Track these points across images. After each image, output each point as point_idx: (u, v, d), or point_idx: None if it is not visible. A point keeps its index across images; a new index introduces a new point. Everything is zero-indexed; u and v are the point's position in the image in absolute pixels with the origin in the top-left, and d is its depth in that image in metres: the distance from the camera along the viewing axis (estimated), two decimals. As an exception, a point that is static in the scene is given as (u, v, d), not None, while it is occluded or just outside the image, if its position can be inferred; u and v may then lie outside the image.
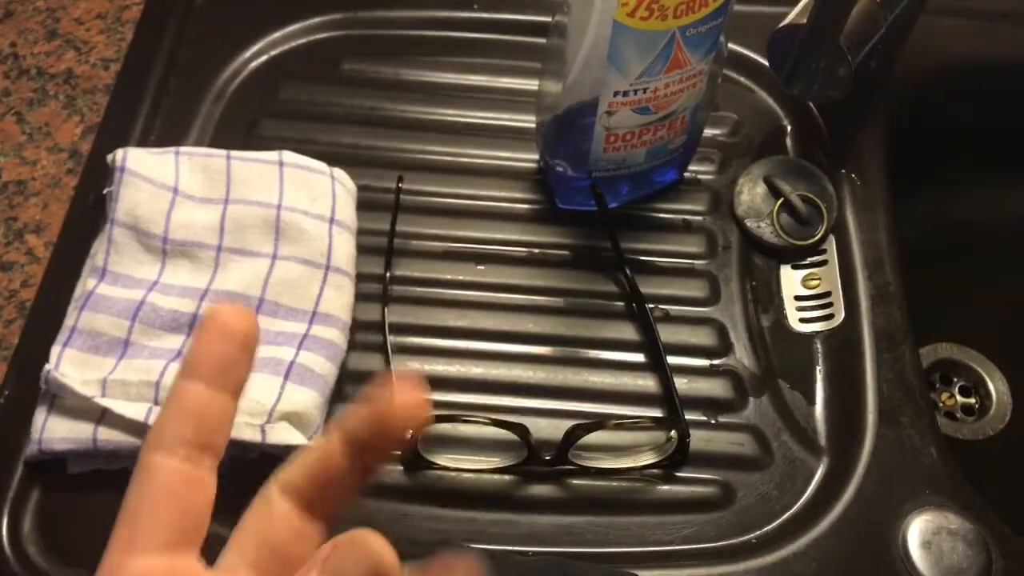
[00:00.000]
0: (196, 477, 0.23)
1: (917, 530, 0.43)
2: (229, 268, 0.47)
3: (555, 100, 0.47)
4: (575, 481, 0.45)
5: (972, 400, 0.64)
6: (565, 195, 0.52)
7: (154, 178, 0.47)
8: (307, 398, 0.43)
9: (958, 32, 0.59)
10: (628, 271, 0.50)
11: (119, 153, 0.47)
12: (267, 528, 0.24)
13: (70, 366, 0.43)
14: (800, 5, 0.50)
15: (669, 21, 0.41)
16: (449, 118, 0.56)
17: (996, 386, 0.64)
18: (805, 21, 0.48)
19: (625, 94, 0.44)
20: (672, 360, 0.48)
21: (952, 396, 0.64)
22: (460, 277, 0.51)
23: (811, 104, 0.57)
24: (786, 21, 0.50)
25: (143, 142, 0.53)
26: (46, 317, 0.46)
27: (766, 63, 0.57)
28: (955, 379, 0.65)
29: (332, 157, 0.51)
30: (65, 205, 0.50)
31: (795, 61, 0.50)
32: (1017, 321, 0.65)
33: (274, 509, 0.24)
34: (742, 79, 0.58)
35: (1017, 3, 0.60)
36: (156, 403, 0.42)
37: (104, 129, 0.53)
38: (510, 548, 0.43)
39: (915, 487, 0.44)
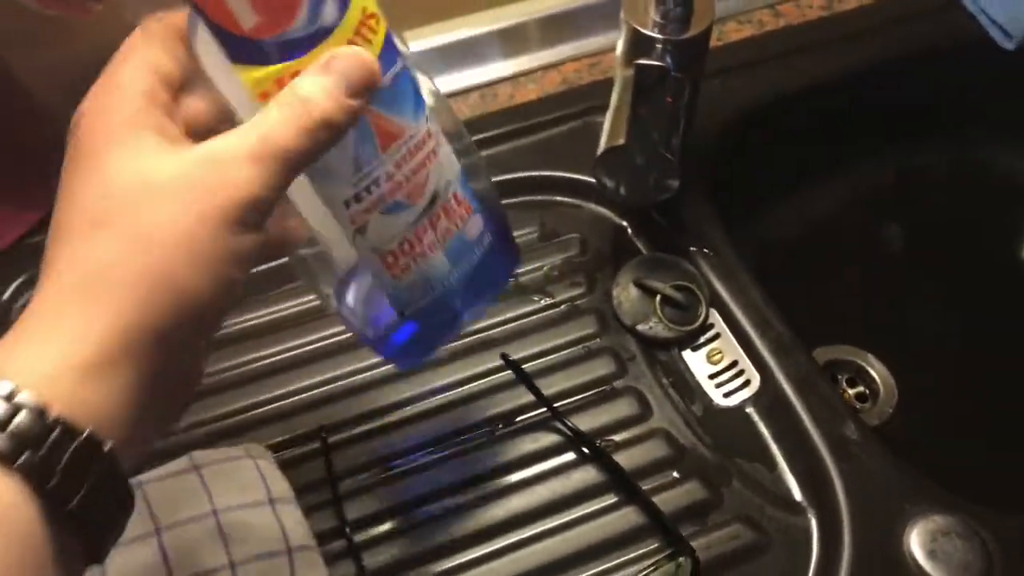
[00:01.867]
0: None
1: (917, 545, 0.46)
2: None
3: (327, 280, 0.39)
4: (616, 645, 0.45)
5: (861, 388, 0.70)
6: (403, 356, 0.43)
7: None
8: None
9: (726, 88, 0.65)
10: (565, 420, 0.51)
11: None
12: None
13: None
14: (606, 127, 0.54)
15: None
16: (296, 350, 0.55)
17: (876, 369, 0.70)
18: (620, 142, 0.52)
19: (357, 199, 0.34)
20: (642, 486, 0.49)
21: (845, 391, 0.70)
22: (421, 491, 0.49)
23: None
24: (601, 147, 0.53)
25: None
26: None
27: (584, 179, 0.61)
28: (839, 376, 0.71)
29: (237, 426, 0.49)
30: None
31: (627, 175, 0.53)
32: (863, 305, 0.72)
33: None
34: (566, 199, 0.62)
35: (755, 52, 0.68)
36: None
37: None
38: None
39: (895, 505, 0.48)
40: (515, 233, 0.59)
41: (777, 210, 0.72)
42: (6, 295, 0.56)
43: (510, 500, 0.49)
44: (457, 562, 0.47)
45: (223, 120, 0.32)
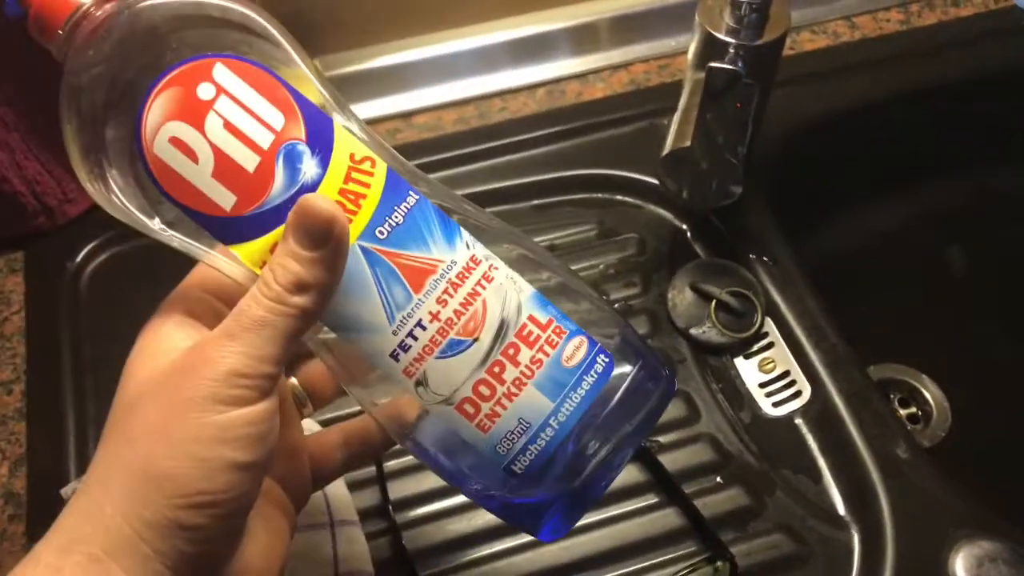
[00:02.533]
0: None
1: (962, 569, 0.46)
2: None
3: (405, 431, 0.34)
4: (649, 643, 0.45)
5: (913, 409, 0.69)
6: (548, 527, 0.34)
7: None
8: None
9: (795, 98, 0.65)
10: (613, 419, 0.51)
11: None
12: None
13: None
14: (673, 129, 0.54)
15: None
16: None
17: (929, 391, 0.69)
18: (686, 144, 0.52)
19: (404, 348, 0.31)
20: (685, 489, 0.49)
21: (897, 411, 0.69)
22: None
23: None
24: (667, 148, 0.53)
25: (82, 460, 0.50)
26: None
27: (647, 180, 0.61)
28: (891, 395, 0.70)
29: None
30: (20, 556, 0.46)
31: (690, 178, 0.53)
32: (922, 325, 0.71)
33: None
34: (627, 199, 0.62)
35: (828, 63, 0.68)
36: None
37: (34, 462, 0.49)
38: None
39: (942, 528, 0.47)
40: (574, 230, 0.61)
41: (840, 223, 0.71)
42: (78, 258, 0.58)
43: (552, 492, 0.49)
44: (495, 549, 0.48)
45: None
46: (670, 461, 0.50)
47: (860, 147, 0.68)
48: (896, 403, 0.69)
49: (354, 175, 0.31)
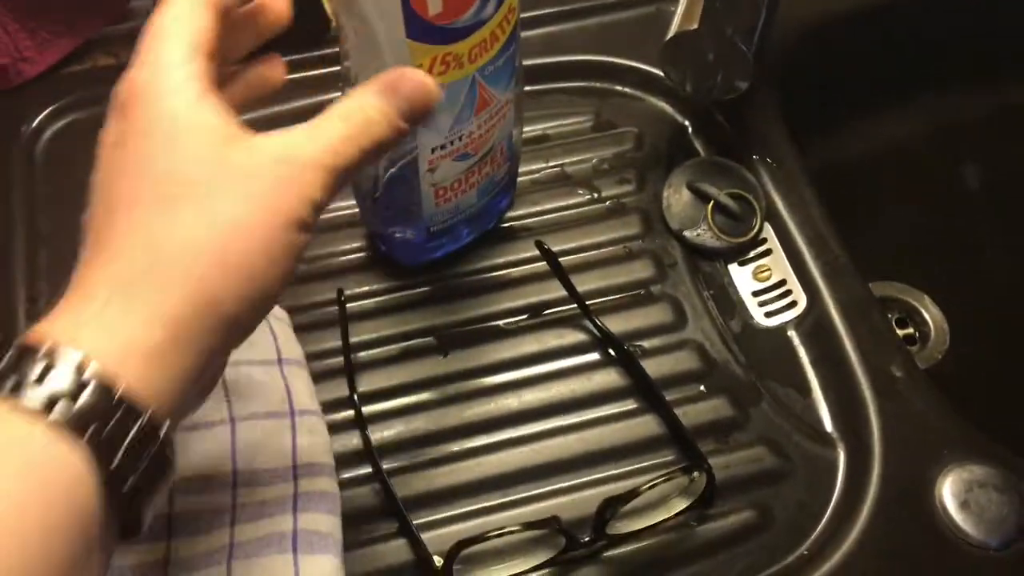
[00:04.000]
0: None
1: (950, 493, 0.44)
2: (188, 450, 0.42)
3: (372, 173, 0.45)
4: (617, 551, 0.43)
5: (911, 330, 0.66)
6: (410, 255, 0.50)
7: None
8: (327, 567, 0.39)
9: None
10: (596, 319, 0.48)
11: None
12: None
13: None
14: (680, 11, 0.50)
15: (466, 68, 0.40)
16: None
17: (930, 312, 0.66)
18: (693, 27, 0.48)
19: (443, 148, 0.42)
20: (667, 396, 0.47)
21: (893, 329, 0.66)
22: (430, 373, 0.47)
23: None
24: (672, 30, 0.49)
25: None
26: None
27: (649, 70, 0.57)
28: (889, 314, 0.67)
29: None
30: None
31: (696, 67, 0.49)
32: (927, 243, 0.68)
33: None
34: (627, 89, 0.58)
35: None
36: None
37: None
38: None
39: (932, 451, 0.45)
40: (568, 121, 0.57)
41: (851, 130, 0.67)
42: (35, 124, 0.54)
43: (526, 392, 0.47)
44: (464, 447, 0.45)
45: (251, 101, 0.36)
46: (653, 367, 0.47)
47: (877, 51, 0.64)
48: (895, 323, 0.67)
49: (503, 22, 0.39)
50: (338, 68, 0.42)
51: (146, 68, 0.30)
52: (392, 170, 0.44)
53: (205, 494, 0.41)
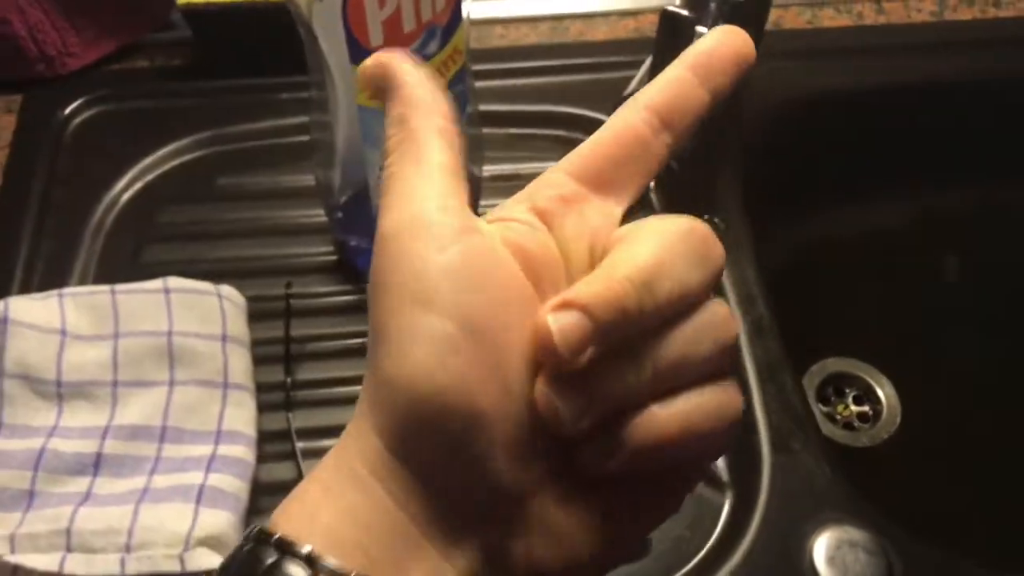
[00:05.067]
0: (646, 138, 0.26)
1: (822, 547, 0.45)
2: (128, 402, 0.47)
3: (332, 189, 0.49)
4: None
5: (865, 408, 0.68)
6: (366, 262, 0.52)
7: (40, 324, 0.47)
8: (222, 520, 0.43)
9: (785, 73, 0.63)
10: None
11: (1, 305, 0.47)
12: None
13: None
14: (642, 70, 0.54)
15: None
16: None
17: (884, 391, 0.68)
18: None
19: None
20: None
21: (847, 407, 0.68)
22: (362, 373, 0.52)
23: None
24: (631, 88, 0.53)
25: (25, 288, 0.53)
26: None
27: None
28: (847, 390, 0.69)
29: (219, 273, 0.52)
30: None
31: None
32: (889, 325, 0.69)
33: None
34: (603, 142, 0.62)
35: (830, 41, 0.66)
36: (69, 550, 0.42)
37: (-17, 282, 0.53)
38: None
39: (815, 507, 0.47)
40: (539, 164, 0.61)
41: (830, 211, 0.70)
42: (69, 109, 0.61)
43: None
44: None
45: None
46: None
47: (857, 135, 0.67)
48: (851, 400, 0.68)
49: (450, 59, 0.44)
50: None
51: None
52: (350, 186, 0.49)
53: (133, 441, 0.46)
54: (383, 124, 0.38)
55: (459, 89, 0.46)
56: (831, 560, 0.45)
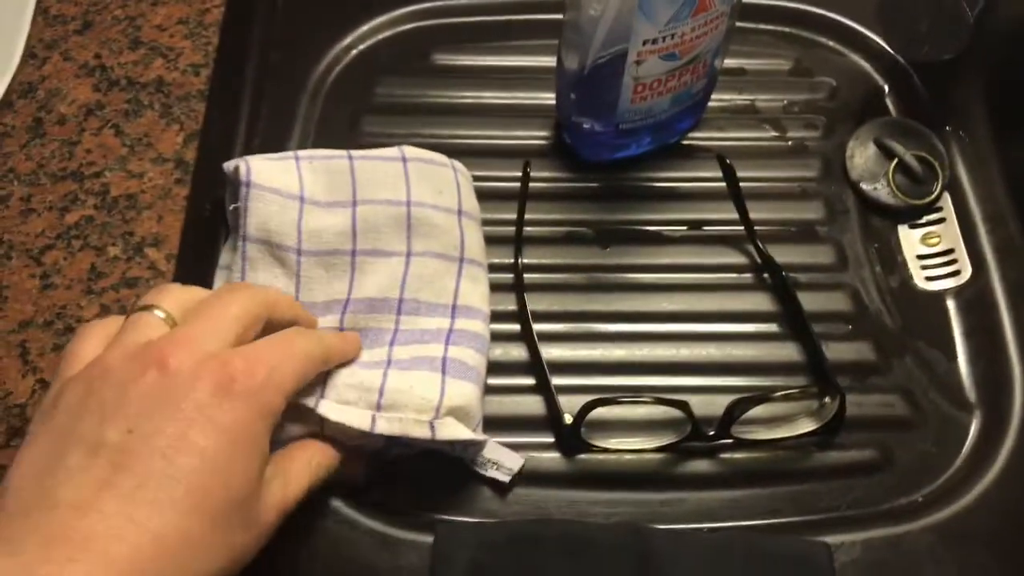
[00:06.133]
0: None
1: (1083, 476, 0.43)
2: (366, 272, 0.46)
3: (580, 60, 0.47)
4: (736, 455, 0.45)
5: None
6: (592, 150, 0.53)
7: (280, 188, 0.46)
8: (468, 391, 0.43)
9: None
10: (759, 243, 0.50)
11: (242, 166, 0.46)
12: None
13: None
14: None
15: None
16: (548, 101, 0.55)
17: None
18: (919, -20, 0.48)
19: (654, 42, 0.45)
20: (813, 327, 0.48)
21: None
22: (589, 261, 0.50)
23: (905, 63, 0.57)
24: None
25: (248, 146, 0.52)
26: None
27: (856, 27, 0.58)
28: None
29: (439, 149, 0.51)
30: (179, 216, 0.49)
31: (911, 22, 0.50)
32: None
33: None
34: (831, 43, 0.58)
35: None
36: (323, 396, 0.41)
37: (206, 137, 0.52)
38: (686, 526, 0.43)
39: (1071, 434, 0.45)
40: (768, 61, 0.58)
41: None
42: None
43: (677, 296, 0.49)
44: (610, 330, 0.48)
45: None
46: (805, 299, 0.49)
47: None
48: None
49: None
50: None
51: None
52: (602, 56, 0.46)
53: (373, 313, 0.45)
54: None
55: None
56: (1095, 489, 0.43)
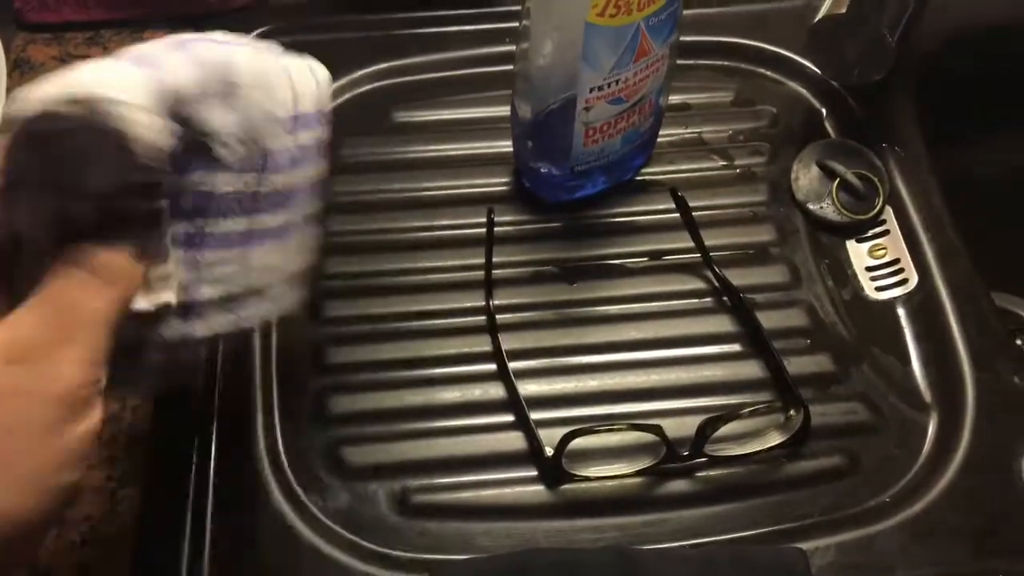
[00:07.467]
0: None
1: (1033, 465, 0.46)
2: None
3: (533, 108, 0.50)
4: (711, 472, 0.47)
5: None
6: (551, 192, 0.55)
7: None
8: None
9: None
10: (716, 268, 0.52)
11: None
12: None
13: None
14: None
15: (634, 14, 0.45)
16: (506, 148, 0.58)
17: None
18: (842, 12, 0.51)
19: (600, 88, 0.48)
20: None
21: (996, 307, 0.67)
22: (557, 297, 0.53)
23: (839, 87, 0.60)
24: (822, 14, 0.53)
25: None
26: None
27: (792, 57, 0.61)
28: (1015, 331, 0.68)
29: (406, 203, 0.53)
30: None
31: (838, 52, 0.53)
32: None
33: None
34: (769, 72, 0.62)
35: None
36: None
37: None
38: (670, 544, 0.45)
39: (1020, 427, 0.47)
40: (711, 94, 0.61)
41: (991, 142, 0.69)
42: (242, 43, 0.62)
43: (643, 324, 0.51)
44: (582, 362, 0.50)
45: None
46: (763, 318, 0.51)
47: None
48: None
49: None
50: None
51: None
52: (553, 103, 0.49)
53: None
54: (608, 42, 0.45)
55: (675, 7, 0.46)
56: (1048, 475, 0.46)
